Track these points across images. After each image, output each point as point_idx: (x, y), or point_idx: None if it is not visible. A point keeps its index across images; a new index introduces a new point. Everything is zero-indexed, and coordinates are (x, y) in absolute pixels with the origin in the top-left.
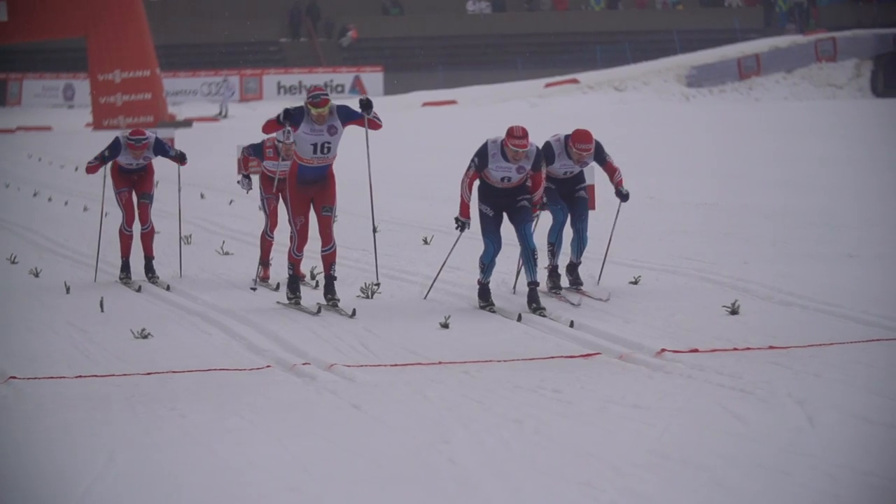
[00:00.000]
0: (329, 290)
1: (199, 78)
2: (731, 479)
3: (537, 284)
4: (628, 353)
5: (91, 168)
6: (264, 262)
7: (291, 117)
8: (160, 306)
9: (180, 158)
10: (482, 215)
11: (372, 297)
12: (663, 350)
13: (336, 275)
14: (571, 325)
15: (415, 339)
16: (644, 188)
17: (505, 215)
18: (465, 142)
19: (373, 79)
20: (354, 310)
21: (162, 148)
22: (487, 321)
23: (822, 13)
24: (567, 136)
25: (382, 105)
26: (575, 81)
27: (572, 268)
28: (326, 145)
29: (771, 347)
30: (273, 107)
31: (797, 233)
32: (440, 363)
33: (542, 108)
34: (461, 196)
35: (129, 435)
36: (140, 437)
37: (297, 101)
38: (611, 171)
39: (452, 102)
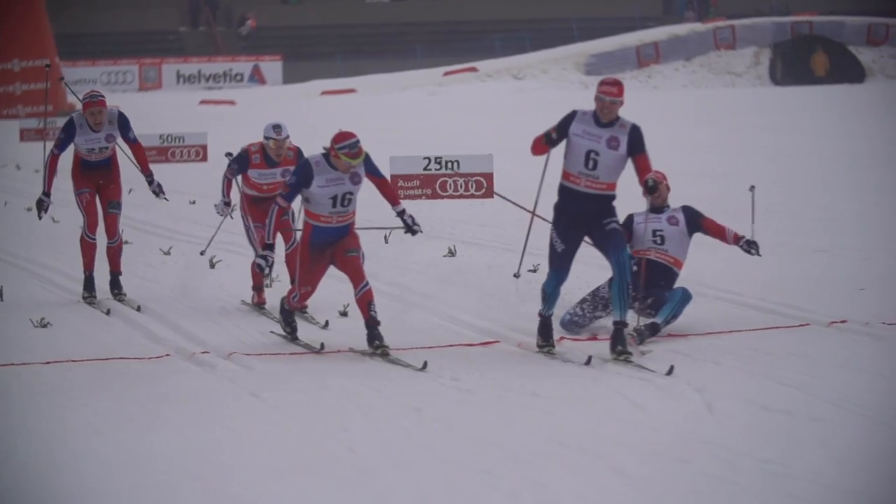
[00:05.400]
0: (375, 336)
1: (99, 67)
2: (629, 466)
3: (625, 325)
4: (527, 341)
5: (53, 159)
6: (257, 287)
7: (299, 178)
8: (59, 295)
9: (134, 142)
10: (551, 246)
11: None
12: (562, 338)
13: (379, 317)
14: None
15: (314, 327)
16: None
17: (584, 243)
18: (364, 130)
19: (272, 67)
20: (426, 362)
21: (125, 126)
22: (386, 309)
23: (720, 1)
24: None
25: (282, 94)
26: (473, 70)
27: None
28: (348, 196)
29: (669, 335)
30: (173, 96)
31: None
32: (339, 351)
33: (441, 96)
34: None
35: (29, 425)
36: (41, 427)
37: (195, 90)
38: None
39: (351, 91)
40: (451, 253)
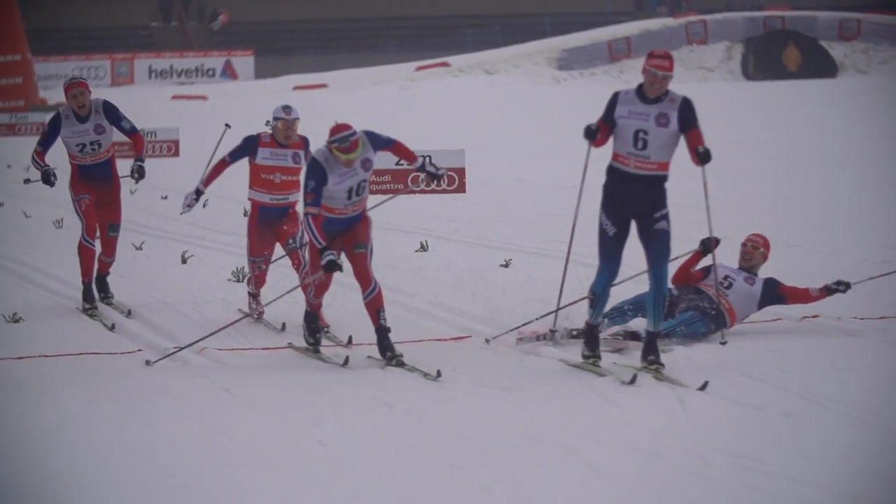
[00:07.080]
0: (386, 347)
1: (71, 62)
2: (602, 461)
3: (658, 335)
4: (499, 335)
5: (38, 154)
6: (253, 293)
7: (318, 181)
8: (32, 290)
9: (133, 132)
10: (601, 231)
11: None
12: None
13: (389, 325)
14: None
15: (286, 323)
16: (514, 171)
17: (633, 231)
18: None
19: (244, 63)
20: (439, 371)
21: (114, 114)
22: (356, 304)
23: None
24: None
25: (254, 89)
26: (446, 65)
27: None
28: (362, 185)
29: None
30: (145, 91)
31: None
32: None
33: (413, 91)
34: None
35: (2, 420)
36: (13, 422)
37: (167, 85)
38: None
39: (323, 86)
40: (423, 248)
